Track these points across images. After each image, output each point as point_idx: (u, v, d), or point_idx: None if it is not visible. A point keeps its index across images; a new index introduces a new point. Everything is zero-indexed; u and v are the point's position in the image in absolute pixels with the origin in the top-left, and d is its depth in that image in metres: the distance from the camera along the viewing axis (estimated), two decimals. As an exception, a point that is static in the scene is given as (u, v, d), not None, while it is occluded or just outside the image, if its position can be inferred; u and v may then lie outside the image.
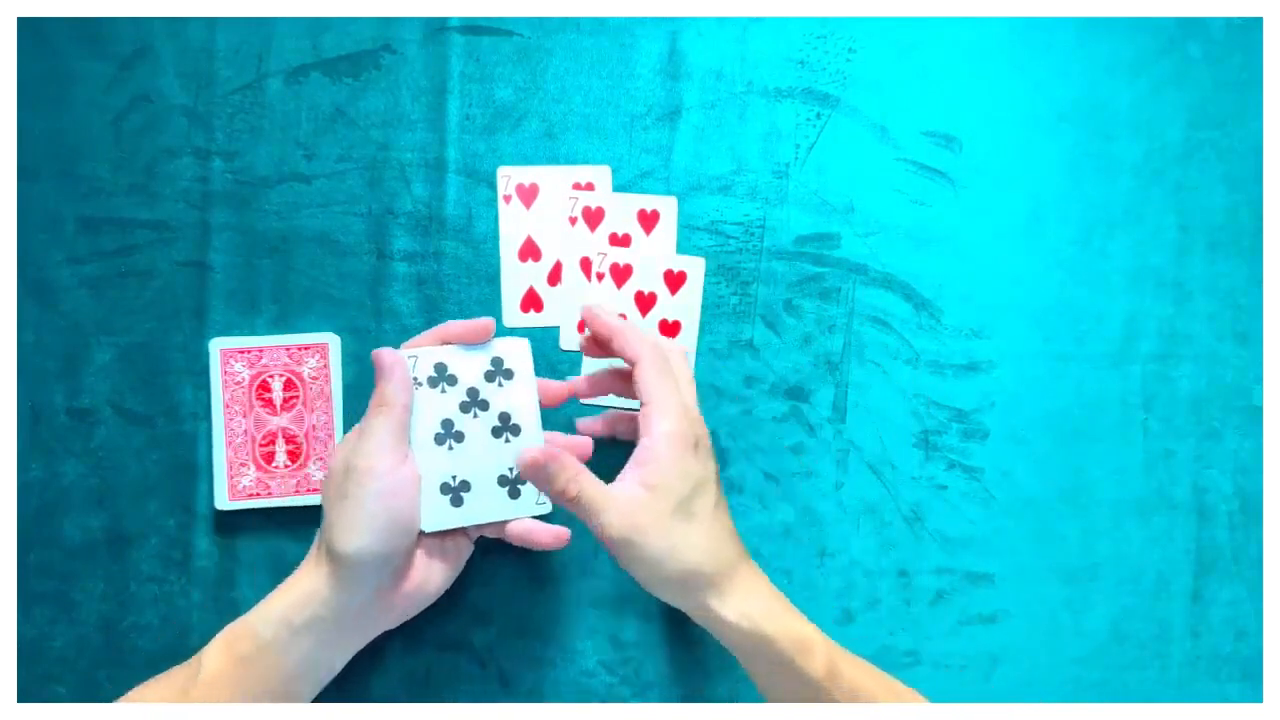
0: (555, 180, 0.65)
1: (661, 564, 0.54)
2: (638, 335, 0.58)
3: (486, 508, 0.59)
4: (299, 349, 0.64)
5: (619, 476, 0.55)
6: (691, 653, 0.65)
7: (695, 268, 0.63)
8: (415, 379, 0.58)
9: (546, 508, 0.59)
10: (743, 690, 0.64)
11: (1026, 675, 0.65)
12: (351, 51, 0.65)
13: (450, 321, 0.59)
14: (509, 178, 0.65)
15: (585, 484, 0.55)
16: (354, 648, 0.59)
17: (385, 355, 0.57)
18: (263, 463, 0.64)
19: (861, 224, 0.66)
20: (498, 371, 0.59)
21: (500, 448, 0.59)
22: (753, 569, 0.57)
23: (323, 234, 0.65)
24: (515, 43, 0.65)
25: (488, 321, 0.59)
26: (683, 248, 0.65)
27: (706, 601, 0.55)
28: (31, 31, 0.64)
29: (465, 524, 0.58)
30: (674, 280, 0.63)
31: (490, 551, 0.65)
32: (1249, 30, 0.66)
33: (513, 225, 0.65)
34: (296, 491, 0.64)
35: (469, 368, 0.59)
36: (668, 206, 0.65)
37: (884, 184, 0.66)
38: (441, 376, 0.58)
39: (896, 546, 0.66)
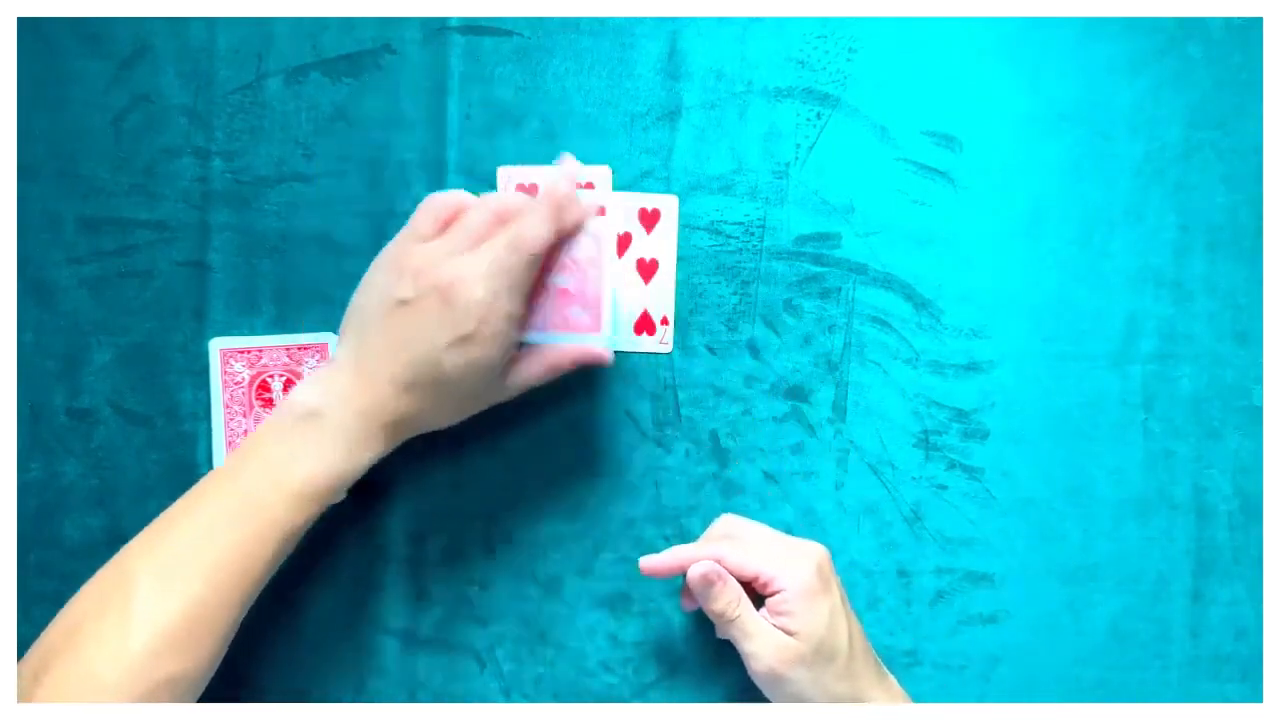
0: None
1: (804, 694, 0.57)
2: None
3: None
4: (299, 349, 0.64)
5: (763, 611, 0.58)
6: (692, 653, 0.65)
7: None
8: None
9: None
10: (744, 690, 0.64)
11: (1026, 675, 0.65)
12: (351, 51, 0.65)
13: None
14: (509, 178, 0.65)
15: (744, 610, 0.58)
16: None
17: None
18: (263, 463, 0.64)
19: (861, 224, 0.66)
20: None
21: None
22: (881, 695, 0.59)
23: (323, 234, 0.65)
24: (515, 43, 0.65)
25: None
26: (683, 247, 0.65)
27: None
28: (31, 31, 0.64)
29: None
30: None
31: (490, 551, 0.65)
32: (1249, 30, 0.66)
33: (513, 225, 0.65)
34: (296, 491, 0.64)
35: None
36: (668, 205, 0.65)
37: (884, 184, 0.66)
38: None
39: (896, 546, 0.66)
